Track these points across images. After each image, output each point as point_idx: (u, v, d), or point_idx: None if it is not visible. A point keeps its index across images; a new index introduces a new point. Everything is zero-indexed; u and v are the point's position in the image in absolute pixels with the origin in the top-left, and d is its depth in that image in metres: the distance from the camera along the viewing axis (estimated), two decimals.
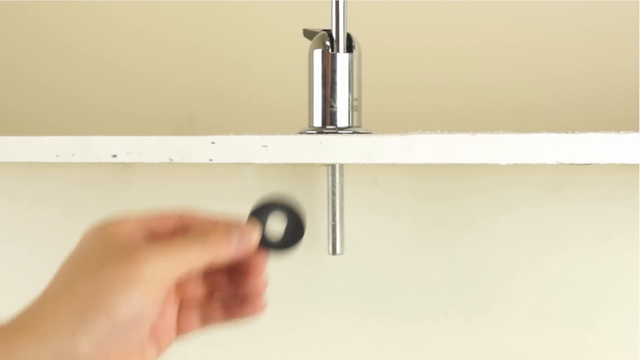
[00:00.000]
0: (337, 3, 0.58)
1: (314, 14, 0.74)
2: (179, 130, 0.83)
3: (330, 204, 0.63)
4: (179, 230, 0.52)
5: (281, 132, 0.62)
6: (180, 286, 0.54)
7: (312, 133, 0.59)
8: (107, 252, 0.47)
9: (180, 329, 0.54)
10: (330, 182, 0.63)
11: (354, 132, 0.58)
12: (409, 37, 0.79)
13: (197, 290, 0.55)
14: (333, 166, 0.62)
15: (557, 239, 0.70)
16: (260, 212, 0.53)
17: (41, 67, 0.91)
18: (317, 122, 0.59)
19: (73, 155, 0.63)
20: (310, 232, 0.74)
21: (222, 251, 0.49)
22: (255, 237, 0.51)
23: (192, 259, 0.48)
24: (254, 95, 0.80)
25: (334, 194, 0.63)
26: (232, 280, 0.54)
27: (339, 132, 0.58)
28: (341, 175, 0.63)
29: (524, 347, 0.71)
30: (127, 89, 0.88)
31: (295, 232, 0.53)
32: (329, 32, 0.59)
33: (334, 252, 0.63)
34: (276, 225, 0.53)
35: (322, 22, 0.63)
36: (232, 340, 0.77)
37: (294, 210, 0.53)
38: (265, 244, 0.52)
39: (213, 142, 0.59)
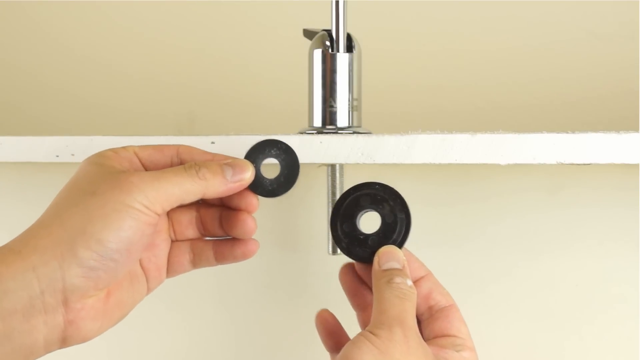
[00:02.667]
0: (337, 3, 0.58)
1: (314, 14, 0.74)
2: (179, 130, 0.83)
3: (330, 204, 0.63)
4: (175, 163, 0.52)
5: (281, 132, 0.62)
6: (171, 226, 0.54)
7: (312, 133, 0.59)
8: (99, 181, 0.47)
9: (171, 268, 0.54)
10: (330, 182, 0.63)
11: (354, 132, 0.58)
12: (409, 37, 0.79)
13: (188, 231, 0.54)
14: (333, 166, 0.62)
15: (557, 238, 0.70)
16: (255, 154, 0.53)
17: (41, 67, 0.91)
18: (317, 122, 0.59)
19: (73, 155, 0.63)
20: (310, 232, 0.74)
21: (215, 184, 0.49)
22: (249, 174, 0.51)
23: (183, 189, 0.48)
24: (254, 95, 0.80)
25: (334, 194, 0.63)
26: (223, 221, 0.54)
27: (339, 132, 0.58)
28: (341, 175, 0.63)
29: (524, 347, 0.71)
30: (127, 89, 0.88)
31: (289, 173, 0.53)
32: (329, 32, 0.59)
33: (334, 252, 0.63)
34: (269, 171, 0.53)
35: (322, 22, 0.63)
36: (233, 341, 0.77)
37: (288, 150, 0.53)
38: (258, 184, 0.52)
39: (213, 142, 0.59)
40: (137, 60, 0.87)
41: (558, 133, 0.54)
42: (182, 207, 0.53)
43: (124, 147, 0.51)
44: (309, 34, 0.62)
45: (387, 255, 0.53)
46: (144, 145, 0.52)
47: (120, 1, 0.87)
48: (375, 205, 0.55)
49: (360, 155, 0.56)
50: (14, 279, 0.43)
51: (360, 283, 0.56)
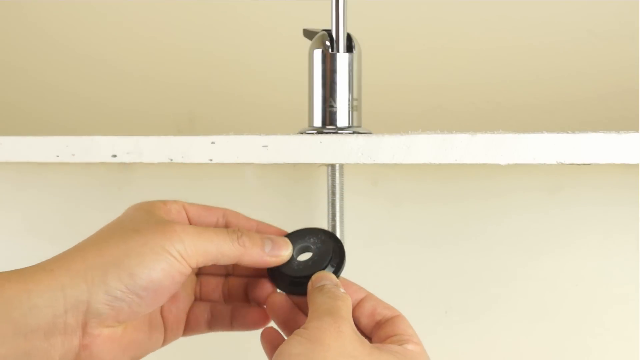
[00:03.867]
0: (337, 3, 0.58)
1: (314, 14, 0.74)
2: (179, 130, 0.83)
3: (330, 204, 0.63)
4: (220, 224, 0.55)
5: (281, 132, 0.62)
6: (199, 285, 0.55)
7: (312, 133, 0.59)
8: (144, 223, 0.49)
9: (188, 325, 0.55)
10: (330, 182, 0.63)
11: (354, 132, 0.58)
12: (409, 37, 0.79)
13: (214, 294, 0.56)
14: (333, 166, 0.62)
15: (557, 238, 0.70)
16: (294, 237, 0.55)
17: (41, 67, 0.91)
18: (317, 122, 0.59)
19: (73, 155, 0.63)
20: None
21: (253, 253, 0.51)
22: (287, 252, 0.53)
23: (221, 250, 0.49)
24: (254, 95, 0.80)
25: (334, 194, 0.63)
26: (249, 288, 0.56)
27: (339, 132, 0.58)
28: (341, 175, 0.63)
29: (524, 347, 0.71)
30: (127, 89, 0.88)
31: (319, 259, 0.54)
32: (329, 32, 0.59)
33: None
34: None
35: (322, 22, 0.63)
36: (235, 342, 0.77)
37: (327, 240, 0.55)
38: (288, 263, 0.54)
39: (213, 142, 0.59)
40: (137, 60, 0.87)
41: (558, 133, 0.54)
42: (214, 269, 0.56)
43: (174, 201, 0.54)
44: (309, 34, 0.62)
45: (320, 277, 0.53)
46: (193, 203, 0.55)
47: (120, 1, 0.88)
48: (305, 242, 0.56)
49: (360, 155, 0.56)
50: (41, 296, 0.44)
51: (291, 308, 0.55)
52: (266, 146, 0.58)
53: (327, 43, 0.59)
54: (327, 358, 0.45)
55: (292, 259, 0.54)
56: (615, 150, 0.53)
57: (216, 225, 0.55)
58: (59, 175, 0.81)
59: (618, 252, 0.69)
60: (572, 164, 0.54)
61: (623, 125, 0.71)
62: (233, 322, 0.56)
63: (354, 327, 0.49)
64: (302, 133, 0.59)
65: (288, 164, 0.58)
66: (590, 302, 0.70)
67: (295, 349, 0.45)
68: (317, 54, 0.59)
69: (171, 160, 0.61)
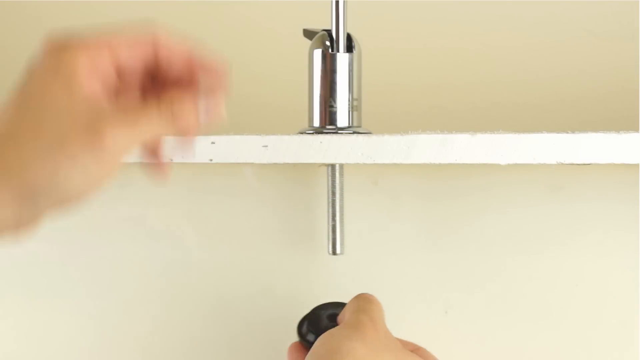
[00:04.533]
0: (337, 3, 0.58)
1: (314, 14, 0.74)
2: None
3: (330, 204, 0.63)
4: (147, 73, 0.48)
5: (281, 132, 0.62)
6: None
7: (312, 133, 0.59)
8: (69, 118, 0.43)
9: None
10: (330, 182, 0.63)
11: (354, 132, 0.58)
12: (409, 36, 0.79)
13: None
14: (333, 166, 0.62)
15: (557, 239, 0.70)
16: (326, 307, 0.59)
17: None
18: (317, 122, 0.59)
19: None
20: (310, 232, 0.74)
21: (189, 127, 0.47)
22: (222, 110, 0.49)
23: (156, 132, 0.45)
24: (254, 95, 0.80)
25: (334, 194, 0.63)
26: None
27: (339, 132, 0.58)
28: (341, 175, 0.63)
29: (524, 347, 0.71)
30: None
31: None
32: (329, 32, 0.59)
33: (334, 252, 0.63)
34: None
35: (322, 22, 0.63)
36: (231, 341, 0.77)
37: None
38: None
39: (213, 142, 0.59)
40: None
41: (558, 133, 0.54)
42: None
43: (87, 45, 0.45)
44: (308, 34, 0.62)
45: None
46: (112, 40, 0.46)
47: (120, 1, 0.87)
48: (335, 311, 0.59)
49: (360, 155, 0.56)
50: None
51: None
52: (266, 146, 0.58)
53: (327, 43, 0.59)
54: (365, 341, 0.49)
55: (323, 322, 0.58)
56: (615, 150, 0.53)
57: (143, 72, 0.48)
58: None
59: (618, 252, 0.69)
60: (572, 164, 0.54)
61: (623, 125, 0.71)
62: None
63: (389, 332, 0.52)
64: (302, 133, 0.59)
65: (288, 164, 0.58)
66: (590, 302, 0.70)
67: (336, 330, 0.50)
68: (317, 54, 0.59)
69: (171, 160, 0.61)
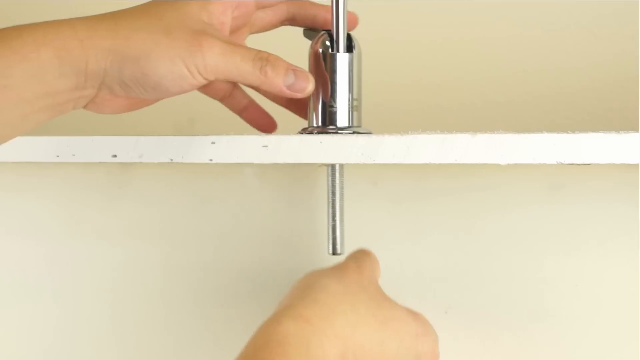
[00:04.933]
0: (337, 3, 0.58)
1: None
2: (179, 130, 0.83)
3: (330, 204, 0.63)
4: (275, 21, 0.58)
5: (281, 132, 0.62)
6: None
7: (312, 133, 0.59)
8: (178, 25, 0.50)
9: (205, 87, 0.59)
10: (330, 182, 0.63)
11: (354, 132, 0.58)
12: (409, 36, 0.79)
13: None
14: (333, 166, 0.62)
15: (557, 239, 0.70)
16: None
17: None
18: (317, 122, 0.59)
19: (73, 155, 0.63)
20: (310, 232, 0.74)
21: (273, 84, 0.52)
22: (309, 88, 0.54)
23: (243, 74, 0.51)
24: (254, 95, 0.80)
25: (334, 194, 0.63)
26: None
27: (339, 132, 0.58)
28: (341, 175, 0.63)
29: (524, 347, 0.71)
30: None
31: None
32: (329, 32, 0.59)
33: (334, 252, 0.63)
34: None
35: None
36: (231, 341, 0.77)
37: None
38: None
39: (213, 142, 0.59)
40: None
41: (558, 133, 0.54)
42: None
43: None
44: (309, 34, 0.62)
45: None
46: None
47: (121, 1, 0.87)
48: None
49: (360, 155, 0.56)
50: (70, 65, 0.49)
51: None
52: (266, 146, 0.58)
53: (327, 43, 0.59)
54: (342, 280, 0.50)
55: None
56: (615, 150, 0.53)
57: (271, 21, 0.57)
58: (59, 175, 0.81)
59: (618, 252, 0.69)
60: (572, 164, 0.54)
61: (623, 125, 0.71)
62: (243, 113, 0.60)
63: (377, 282, 0.52)
64: (302, 133, 0.60)
65: (288, 164, 0.58)
66: (590, 302, 0.70)
67: (319, 270, 0.51)
68: (317, 54, 0.59)
69: (171, 160, 0.61)
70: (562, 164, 0.54)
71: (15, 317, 0.81)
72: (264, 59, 0.51)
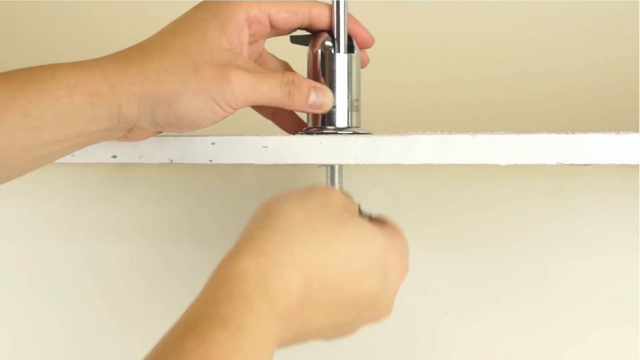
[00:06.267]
0: (337, 3, 0.58)
1: None
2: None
3: None
4: (304, 24, 0.57)
5: (281, 132, 0.62)
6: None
7: (312, 133, 0.59)
8: (204, 59, 0.51)
9: None
10: (330, 183, 0.63)
11: (354, 133, 0.58)
12: (408, 36, 0.79)
13: None
14: (333, 167, 0.62)
15: (556, 239, 0.70)
16: None
17: None
18: (317, 122, 0.59)
19: (73, 155, 0.63)
20: None
21: (297, 105, 0.55)
22: (329, 106, 0.56)
23: (270, 100, 0.53)
24: None
25: None
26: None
27: (339, 132, 0.58)
28: (341, 175, 0.63)
29: (524, 347, 0.71)
30: None
31: None
32: (329, 32, 0.59)
33: None
34: None
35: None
36: None
37: None
38: None
39: (213, 143, 0.59)
40: None
41: (558, 133, 0.54)
42: None
43: (258, 6, 0.54)
44: (296, 39, 0.61)
45: None
46: (279, 5, 0.56)
47: (121, 1, 0.87)
48: None
49: (360, 156, 0.56)
50: (103, 110, 0.51)
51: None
52: (266, 146, 0.58)
53: (327, 43, 0.58)
54: (303, 204, 0.48)
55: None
56: (615, 150, 0.53)
57: (301, 26, 0.58)
58: (59, 175, 0.81)
59: (618, 252, 0.69)
60: (572, 164, 0.54)
61: (623, 125, 0.71)
62: (275, 117, 0.61)
63: (346, 204, 0.51)
64: (302, 133, 0.60)
65: (288, 164, 0.58)
66: (590, 302, 0.70)
67: (282, 194, 0.50)
68: (317, 54, 0.59)
69: (171, 160, 0.61)
70: (562, 164, 0.54)
71: (15, 317, 0.81)
72: (290, 82, 0.53)
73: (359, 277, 0.48)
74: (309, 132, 0.59)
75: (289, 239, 0.46)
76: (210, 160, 0.59)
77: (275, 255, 0.45)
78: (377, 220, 0.54)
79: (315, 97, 0.55)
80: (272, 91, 0.53)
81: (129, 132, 0.54)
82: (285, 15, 0.56)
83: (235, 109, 0.52)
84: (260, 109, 0.62)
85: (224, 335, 0.40)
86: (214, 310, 0.42)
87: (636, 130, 0.54)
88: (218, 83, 0.50)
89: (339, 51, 0.58)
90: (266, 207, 0.49)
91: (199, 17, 0.53)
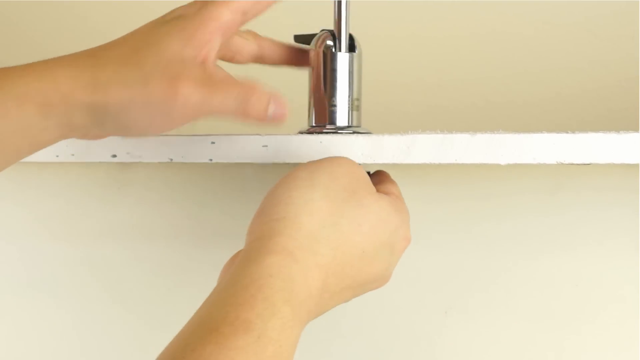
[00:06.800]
0: (339, 3, 0.58)
1: (314, 14, 0.74)
2: (179, 130, 0.83)
3: None
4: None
5: (281, 132, 0.62)
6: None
7: (312, 133, 0.59)
8: (165, 65, 0.49)
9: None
10: None
11: (354, 132, 0.58)
12: (409, 36, 0.79)
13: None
14: None
15: (556, 238, 0.70)
16: None
17: None
18: (317, 122, 0.59)
19: (73, 155, 0.63)
20: None
21: (255, 119, 0.52)
22: (285, 114, 0.53)
23: (226, 108, 0.50)
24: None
25: None
26: None
27: (339, 132, 0.58)
28: None
29: (524, 347, 0.71)
30: None
31: None
32: (330, 31, 0.59)
33: None
34: None
35: (322, 21, 0.63)
36: None
37: None
38: None
39: (213, 142, 0.59)
40: None
41: (558, 133, 0.54)
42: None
43: (231, 21, 0.52)
44: (299, 38, 0.61)
45: None
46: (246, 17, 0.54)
47: (121, 1, 0.88)
48: None
49: (360, 155, 0.56)
50: (52, 120, 0.49)
51: None
52: (266, 146, 0.58)
53: (329, 43, 0.59)
54: (330, 190, 0.48)
55: None
56: (615, 150, 0.53)
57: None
58: (59, 175, 0.80)
59: (618, 252, 0.69)
60: (572, 164, 0.54)
61: (623, 125, 0.71)
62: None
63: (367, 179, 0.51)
64: (302, 133, 0.60)
65: (288, 164, 0.58)
66: (589, 302, 0.70)
67: (301, 174, 0.49)
68: (318, 53, 0.59)
69: (171, 160, 0.61)
70: (562, 164, 0.54)
71: (14, 317, 0.81)
72: (245, 96, 0.51)
73: (371, 262, 0.49)
74: (309, 131, 0.59)
75: (315, 239, 0.46)
76: (210, 160, 0.59)
77: (301, 257, 0.45)
78: (377, 179, 0.55)
79: (273, 110, 0.52)
80: (225, 104, 0.50)
81: (84, 136, 0.53)
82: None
83: (191, 120, 0.50)
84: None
85: (245, 342, 0.39)
86: (236, 315, 0.41)
87: (636, 130, 0.54)
88: (165, 96, 0.49)
89: (340, 50, 0.58)
90: (288, 190, 0.49)
91: (163, 30, 0.51)
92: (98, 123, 0.50)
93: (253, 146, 0.58)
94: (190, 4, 0.53)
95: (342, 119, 0.59)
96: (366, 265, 0.49)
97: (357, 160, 0.57)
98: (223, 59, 0.58)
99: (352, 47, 0.59)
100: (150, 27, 0.52)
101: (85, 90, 0.49)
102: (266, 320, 0.41)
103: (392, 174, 0.73)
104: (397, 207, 0.52)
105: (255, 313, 0.41)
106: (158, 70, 0.49)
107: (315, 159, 0.58)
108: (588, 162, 0.53)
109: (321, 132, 0.58)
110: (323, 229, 0.46)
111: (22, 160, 0.66)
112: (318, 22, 0.63)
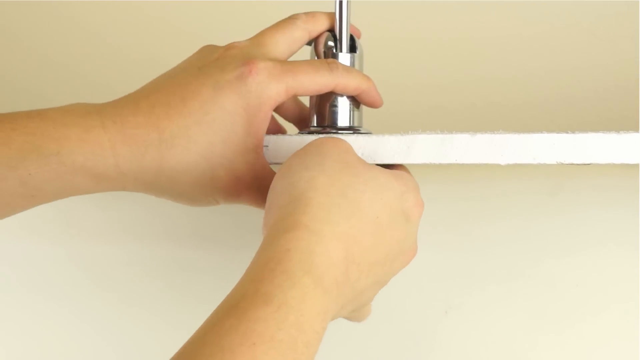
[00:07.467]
0: (340, 4, 0.58)
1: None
2: None
3: None
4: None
5: (281, 131, 0.62)
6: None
7: (313, 133, 0.59)
8: (226, 161, 0.50)
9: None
10: None
11: (354, 132, 0.58)
12: (409, 37, 0.79)
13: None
14: None
15: (556, 239, 0.70)
16: None
17: (41, 68, 0.91)
18: (317, 122, 0.59)
19: None
20: None
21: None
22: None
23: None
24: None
25: None
26: None
27: (339, 132, 0.58)
28: None
29: (524, 347, 0.71)
30: (127, 89, 0.88)
31: None
32: (331, 31, 0.59)
33: None
34: None
35: None
36: None
37: None
38: None
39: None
40: (137, 60, 0.87)
41: (558, 133, 0.54)
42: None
43: (286, 85, 0.52)
44: None
45: None
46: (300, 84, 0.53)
47: (122, 1, 0.87)
48: None
49: (360, 155, 0.56)
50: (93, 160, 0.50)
51: None
52: (266, 146, 0.58)
53: (330, 43, 0.59)
54: (327, 165, 0.47)
55: None
56: (615, 150, 0.53)
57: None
58: None
59: (618, 252, 0.69)
60: (572, 164, 0.54)
61: (623, 125, 0.71)
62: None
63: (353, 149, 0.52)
64: (302, 133, 0.60)
65: None
66: (590, 303, 0.70)
67: (294, 160, 0.49)
68: (319, 53, 0.59)
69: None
70: (562, 164, 0.54)
71: (15, 317, 0.81)
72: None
73: (387, 229, 0.48)
74: (310, 131, 0.59)
75: (327, 209, 0.45)
76: None
77: (317, 228, 0.44)
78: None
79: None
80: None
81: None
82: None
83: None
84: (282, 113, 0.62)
85: (265, 313, 0.39)
86: (256, 289, 0.41)
87: (636, 130, 0.54)
88: (228, 195, 0.51)
89: (341, 51, 0.58)
90: (286, 179, 0.48)
91: (228, 107, 0.50)
92: (151, 194, 0.52)
93: None
94: (247, 46, 0.55)
95: (342, 119, 0.59)
96: (383, 233, 0.47)
97: None
98: None
99: (353, 48, 0.59)
100: (215, 98, 0.51)
101: (147, 173, 0.50)
102: (286, 290, 0.40)
103: None
104: (396, 175, 0.51)
105: (274, 285, 0.40)
106: (224, 165, 0.50)
107: None
108: (588, 162, 0.53)
109: (321, 132, 0.58)
110: (332, 198, 0.45)
111: None
112: None
